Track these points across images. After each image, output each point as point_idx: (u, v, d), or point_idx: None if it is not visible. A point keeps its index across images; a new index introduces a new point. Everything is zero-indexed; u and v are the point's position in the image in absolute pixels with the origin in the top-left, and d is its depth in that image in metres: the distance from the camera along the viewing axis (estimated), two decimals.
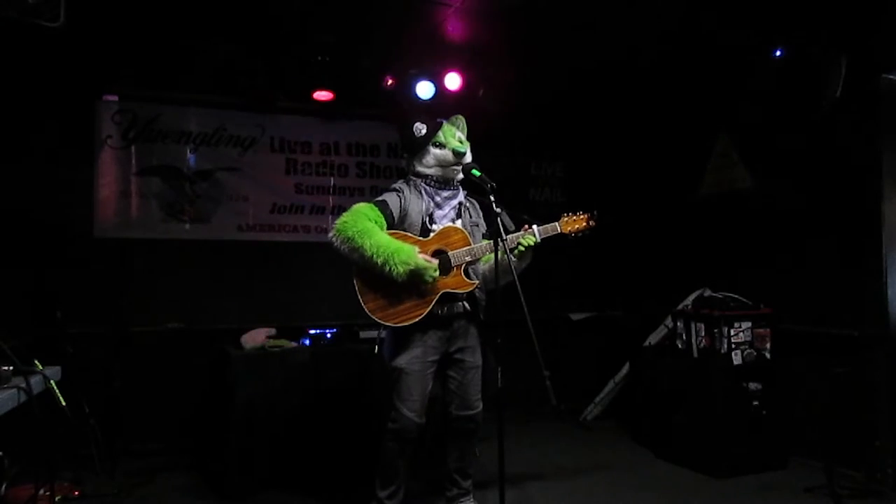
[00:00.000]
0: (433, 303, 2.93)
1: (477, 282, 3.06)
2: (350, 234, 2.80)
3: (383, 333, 3.10)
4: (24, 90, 4.19)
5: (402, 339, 2.98)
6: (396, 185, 3.13)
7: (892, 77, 3.83)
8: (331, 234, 2.88)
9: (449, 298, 2.99)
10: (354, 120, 5.20)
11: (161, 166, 4.76)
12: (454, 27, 4.13)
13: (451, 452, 3.19)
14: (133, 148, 4.69)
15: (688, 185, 5.14)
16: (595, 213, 3.10)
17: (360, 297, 2.91)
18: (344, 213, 2.91)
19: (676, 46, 4.40)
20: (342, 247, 2.83)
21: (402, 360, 2.97)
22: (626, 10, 3.92)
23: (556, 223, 3.08)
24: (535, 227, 3.05)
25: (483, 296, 3.16)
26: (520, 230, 3.04)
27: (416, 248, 2.86)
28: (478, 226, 3.20)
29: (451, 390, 3.11)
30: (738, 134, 4.77)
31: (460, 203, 3.18)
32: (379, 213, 2.94)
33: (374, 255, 2.76)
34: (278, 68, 4.57)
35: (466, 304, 3.08)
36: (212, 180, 4.88)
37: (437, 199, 3.11)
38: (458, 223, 3.12)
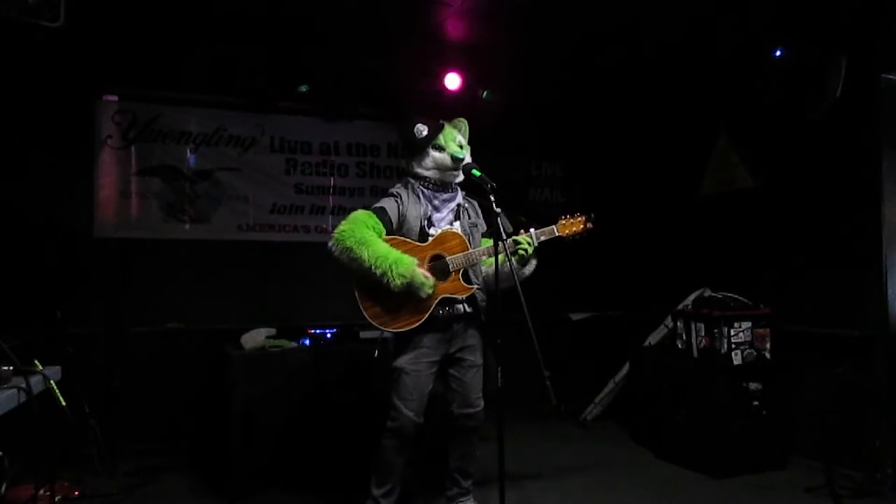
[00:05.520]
0: (432, 308, 2.94)
1: (475, 286, 3.07)
2: (349, 244, 2.81)
3: (386, 334, 3.09)
4: (24, 90, 4.18)
5: (403, 340, 2.99)
6: (394, 190, 3.13)
7: (892, 77, 3.83)
8: (330, 244, 2.88)
9: (449, 301, 3.00)
10: (354, 120, 5.20)
11: (161, 166, 4.76)
12: (454, 27, 4.13)
13: (452, 451, 3.19)
14: (133, 148, 4.69)
15: (688, 185, 5.15)
16: (592, 215, 3.10)
17: (360, 303, 2.93)
18: (342, 222, 2.91)
19: (677, 46, 4.40)
20: (341, 256, 2.84)
21: (402, 360, 2.98)
22: (626, 10, 3.92)
23: (553, 226, 3.08)
24: (532, 230, 3.05)
25: (484, 297, 3.17)
26: (517, 233, 3.04)
27: (416, 261, 2.86)
28: (476, 226, 3.20)
29: (452, 389, 3.12)
30: (738, 134, 4.77)
31: (458, 204, 3.18)
32: (377, 220, 2.94)
33: (374, 266, 2.78)
34: (278, 68, 4.58)
35: (466, 307, 3.08)
36: (212, 180, 4.88)
37: (436, 202, 3.11)
38: (457, 225, 3.12)
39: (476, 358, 3.12)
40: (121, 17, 3.87)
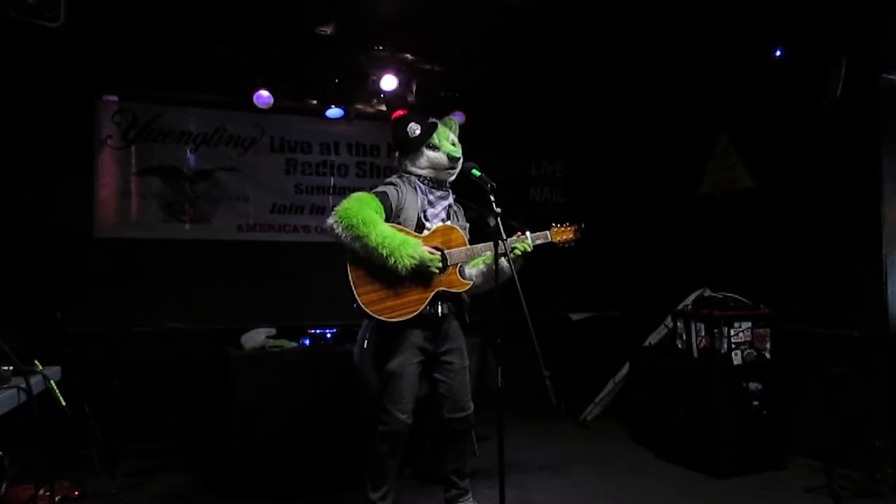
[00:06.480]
0: (428, 300, 2.92)
1: (471, 282, 3.06)
2: (354, 221, 2.73)
3: (368, 330, 3.07)
4: (24, 90, 4.18)
5: (390, 341, 2.95)
6: (392, 180, 3.10)
7: (892, 77, 3.83)
8: (331, 220, 2.80)
9: (439, 297, 2.99)
10: (354, 120, 5.20)
11: (161, 166, 4.76)
12: (453, 27, 4.13)
13: (448, 454, 3.16)
14: (133, 148, 4.69)
15: (688, 185, 5.14)
16: (582, 225, 3.15)
17: (354, 287, 2.84)
18: (345, 200, 2.85)
19: (677, 46, 4.40)
20: (344, 234, 2.75)
21: (393, 364, 2.94)
22: (626, 10, 3.92)
23: (547, 232, 3.13)
24: (528, 233, 3.07)
25: (468, 298, 3.16)
26: (511, 235, 3.05)
27: (420, 242, 2.85)
28: (465, 229, 3.20)
29: (440, 394, 3.07)
30: (738, 134, 4.77)
31: (449, 205, 3.17)
32: (379, 203, 2.89)
33: (380, 246, 2.72)
34: (278, 68, 4.57)
35: (452, 306, 3.06)
36: (212, 180, 4.88)
37: (431, 197, 3.10)
38: (449, 224, 3.12)
39: (461, 360, 3.10)
40: (121, 17, 3.86)
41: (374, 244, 2.72)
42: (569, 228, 3.14)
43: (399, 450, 3.00)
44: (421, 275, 2.86)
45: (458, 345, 3.09)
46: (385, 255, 2.72)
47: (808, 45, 3.99)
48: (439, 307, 3.00)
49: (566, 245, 3.14)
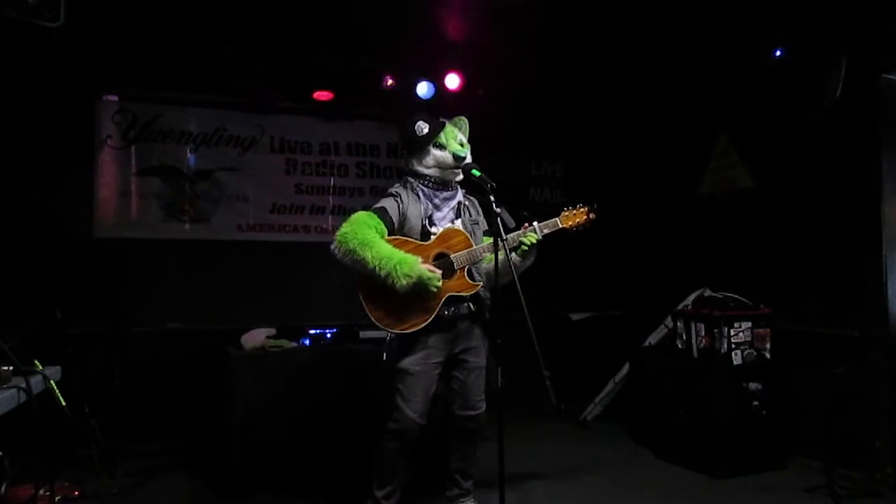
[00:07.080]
0: (438, 307, 2.93)
1: (481, 283, 3.06)
2: (352, 245, 2.79)
3: (391, 335, 3.08)
4: (24, 90, 4.18)
5: (408, 341, 2.98)
6: (393, 190, 3.11)
7: (892, 77, 3.83)
8: (332, 246, 2.87)
9: (454, 300, 3.00)
10: (354, 120, 5.20)
11: (161, 166, 4.75)
12: (454, 27, 4.13)
13: (453, 452, 3.18)
14: (133, 148, 4.68)
15: (688, 185, 5.14)
16: (595, 206, 3.12)
17: (365, 306, 2.92)
18: (344, 224, 2.90)
19: (677, 46, 4.40)
20: (344, 258, 2.83)
21: (407, 362, 2.97)
22: (626, 10, 3.92)
23: (556, 218, 3.10)
24: (535, 223, 3.05)
25: (488, 294, 3.16)
26: (520, 227, 3.04)
27: (419, 259, 2.85)
28: (478, 223, 3.20)
29: (454, 390, 3.11)
30: (738, 134, 4.77)
31: (459, 202, 3.17)
32: (379, 220, 2.93)
33: (378, 268, 2.76)
34: (278, 68, 4.57)
35: (471, 305, 3.08)
36: (212, 180, 4.87)
37: (436, 200, 3.10)
38: (458, 223, 3.11)
39: (479, 360, 3.11)
40: (121, 17, 3.87)
41: (371, 266, 2.76)
42: (581, 210, 3.11)
43: (408, 449, 3.01)
44: (423, 291, 2.86)
45: (476, 344, 3.10)
46: (383, 276, 2.76)
47: (808, 45, 3.99)
48: (457, 308, 3.02)
49: (579, 229, 3.10)
